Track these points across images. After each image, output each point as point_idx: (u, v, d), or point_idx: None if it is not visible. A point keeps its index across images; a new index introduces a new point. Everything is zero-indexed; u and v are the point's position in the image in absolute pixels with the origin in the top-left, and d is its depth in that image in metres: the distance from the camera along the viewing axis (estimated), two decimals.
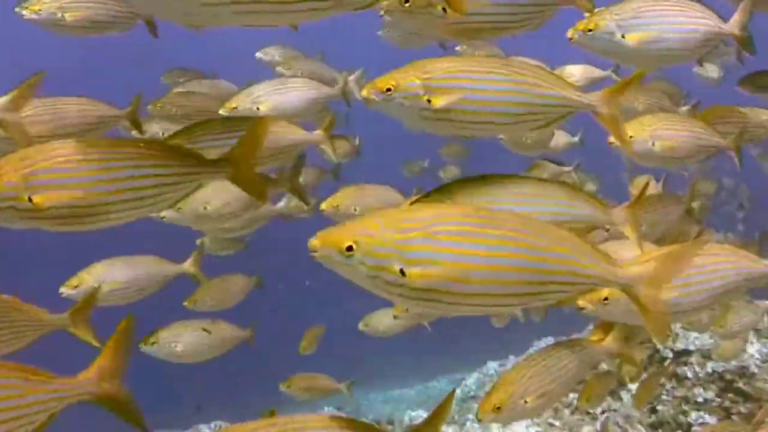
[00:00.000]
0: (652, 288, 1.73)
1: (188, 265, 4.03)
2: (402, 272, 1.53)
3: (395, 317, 4.52)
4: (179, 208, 2.99)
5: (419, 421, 6.43)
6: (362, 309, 4.80)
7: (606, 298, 2.25)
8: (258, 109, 3.37)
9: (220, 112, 3.32)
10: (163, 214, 2.99)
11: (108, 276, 3.51)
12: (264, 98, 3.40)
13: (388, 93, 2.08)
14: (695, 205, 3.94)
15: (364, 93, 2.11)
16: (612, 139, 2.90)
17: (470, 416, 6.40)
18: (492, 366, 7.28)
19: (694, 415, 5.29)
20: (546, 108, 2.19)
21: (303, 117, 3.63)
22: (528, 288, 1.62)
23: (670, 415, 5.35)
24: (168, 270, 3.81)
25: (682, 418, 5.33)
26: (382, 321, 4.84)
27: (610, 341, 2.92)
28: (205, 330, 3.90)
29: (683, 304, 2.25)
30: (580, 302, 2.27)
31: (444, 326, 4.48)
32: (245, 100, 3.37)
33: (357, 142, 5.20)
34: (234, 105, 3.34)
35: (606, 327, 2.96)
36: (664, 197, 3.72)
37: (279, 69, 4.71)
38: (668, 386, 5.48)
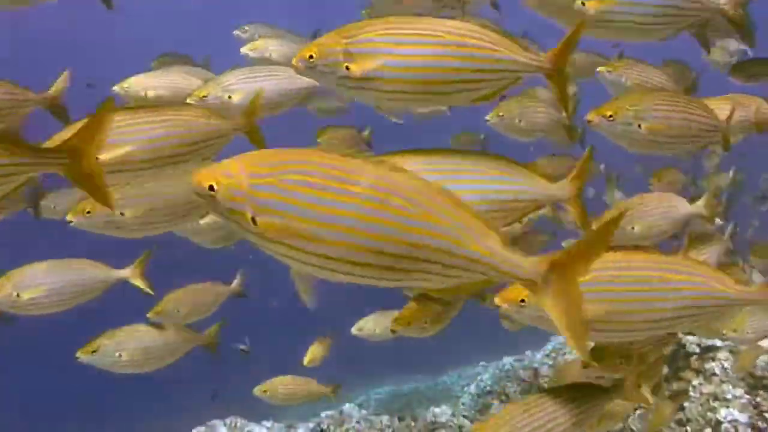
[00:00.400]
0: (564, 284, 1.39)
1: (130, 272, 3.45)
2: (254, 220, 1.37)
3: (393, 332, 4.21)
4: (88, 212, 2.60)
5: (442, 418, 6.36)
6: (365, 303, 4.60)
7: (523, 300, 1.95)
8: (230, 98, 3.22)
9: (188, 101, 3.16)
10: (69, 217, 2.62)
11: (28, 282, 3.10)
12: (236, 86, 3.24)
13: (311, 60, 1.91)
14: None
15: (293, 62, 1.95)
16: (590, 116, 2.67)
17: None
18: (508, 361, 7.09)
19: (723, 412, 5.06)
20: (491, 73, 1.97)
21: (282, 108, 3.47)
22: (388, 261, 1.37)
23: (697, 411, 5.14)
24: (103, 276, 3.32)
25: (710, 415, 5.11)
26: (378, 325, 4.50)
27: (622, 388, 2.48)
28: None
29: (637, 323, 1.96)
30: (497, 300, 1.99)
31: (456, 319, 4.28)
32: (216, 89, 3.23)
33: (367, 133, 5.03)
34: (204, 93, 3.20)
35: (602, 352, 2.51)
36: (669, 196, 3.39)
37: (243, 51, 4.05)
38: (695, 382, 5.28)
